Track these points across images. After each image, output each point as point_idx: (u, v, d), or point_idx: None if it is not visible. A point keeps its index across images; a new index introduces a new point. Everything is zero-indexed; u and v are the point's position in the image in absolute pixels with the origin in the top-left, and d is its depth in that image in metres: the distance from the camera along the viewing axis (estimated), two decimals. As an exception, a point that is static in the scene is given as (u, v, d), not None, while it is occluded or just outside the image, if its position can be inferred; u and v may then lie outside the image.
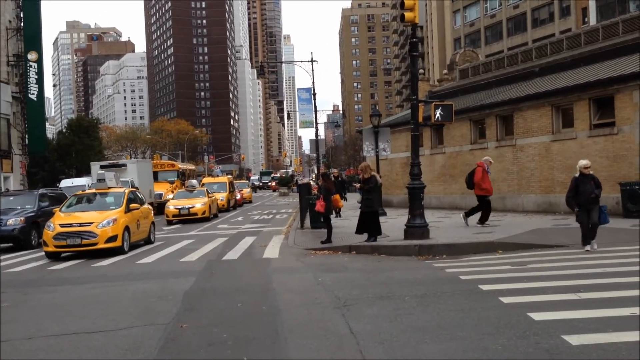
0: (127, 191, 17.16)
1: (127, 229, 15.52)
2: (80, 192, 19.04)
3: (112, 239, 14.93)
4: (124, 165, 31.52)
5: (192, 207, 26.30)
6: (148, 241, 17.66)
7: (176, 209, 26.38)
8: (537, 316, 6.62)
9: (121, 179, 26.03)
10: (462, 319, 6.78)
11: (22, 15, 41.76)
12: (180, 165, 44.90)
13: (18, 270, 13.48)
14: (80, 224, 15.07)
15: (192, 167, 54.25)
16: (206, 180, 38.76)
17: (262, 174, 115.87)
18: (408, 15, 13.51)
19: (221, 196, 33.40)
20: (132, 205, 16.48)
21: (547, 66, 23.50)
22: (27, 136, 42.08)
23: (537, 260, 10.79)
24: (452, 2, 70.95)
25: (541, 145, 20.67)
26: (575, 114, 19.54)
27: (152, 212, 19.02)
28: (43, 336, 6.98)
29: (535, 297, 7.67)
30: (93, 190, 17.70)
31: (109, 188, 17.25)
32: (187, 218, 25.98)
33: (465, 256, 12.18)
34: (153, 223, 18.54)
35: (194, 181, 31.19)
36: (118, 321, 7.54)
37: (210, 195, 28.72)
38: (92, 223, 15.02)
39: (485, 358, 5.32)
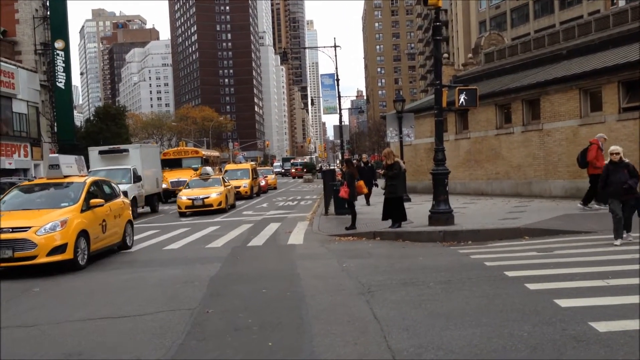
0: (88, 181, 12.88)
1: (83, 234, 11.32)
2: (26, 182, 15.47)
3: (59, 249, 10.71)
4: (126, 150, 28.04)
5: (207, 198, 23.61)
6: (123, 246, 13.68)
7: (189, 199, 23.61)
8: (563, 303, 6.56)
9: (122, 167, 24.85)
10: (487, 305, 6.74)
11: (48, 4, 42.27)
12: (204, 152, 43.91)
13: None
14: (13, 229, 10.65)
15: (216, 153, 53.01)
16: (229, 167, 37.92)
17: (283, 160, 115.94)
18: (432, -2, 13.33)
19: (244, 183, 33.07)
20: (94, 201, 12.09)
21: (574, 49, 23.02)
22: (55, 124, 42.76)
23: (564, 247, 10.66)
24: (478, -15, 69.82)
25: (569, 129, 20.32)
26: (604, 98, 19.14)
27: (129, 207, 14.67)
28: (70, 321, 7.12)
29: (562, 283, 7.59)
30: (42, 181, 13.67)
31: (65, 177, 13.13)
32: (201, 210, 23.32)
33: (490, 242, 12.09)
34: (130, 222, 14.34)
35: (208, 168, 29.01)
36: (145, 306, 7.66)
37: (226, 183, 26.47)
38: (29, 228, 10.71)
39: (510, 344, 5.28)
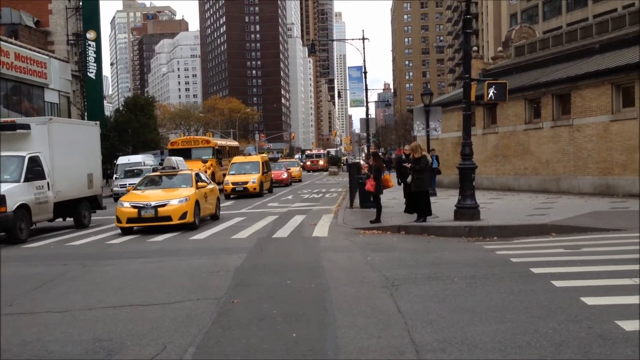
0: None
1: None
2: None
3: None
4: (25, 127, 16.56)
5: (164, 206, 15.51)
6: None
7: (134, 207, 15.55)
8: (590, 300, 6.50)
9: (11, 153, 15.52)
10: (512, 301, 6.72)
11: (80, -5, 42.90)
12: (218, 142, 39.10)
13: (78, 244, 14.06)
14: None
15: (233, 143, 46.98)
16: (236, 159, 32.74)
17: (302, 152, 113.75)
18: (462, -9, 13.22)
19: (252, 178, 28.55)
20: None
21: (607, 43, 22.58)
22: (86, 114, 43.47)
23: (592, 244, 10.53)
24: (509, -23, 68.73)
25: (600, 125, 19.98)
26: (637, 93, 18.75)
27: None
28: (102, 307, 7.30)
29: (589, 281, 7.51)
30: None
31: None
32: (153, 225, 15.64)
33: (516, 238, 11.99)
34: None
35: (174, 159, 19.02)
36: (172, 294, 7.81)
37: (203, 183, 17.60)
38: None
39: (535, 341, 5.27)
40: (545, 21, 60.85)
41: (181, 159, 20.42)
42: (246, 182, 28.40)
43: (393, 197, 21.50)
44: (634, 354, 4.85)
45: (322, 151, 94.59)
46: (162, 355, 5.37)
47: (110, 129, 58.39)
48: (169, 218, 15.44)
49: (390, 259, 10.02)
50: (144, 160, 40.18)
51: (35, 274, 9.97)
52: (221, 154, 37.05)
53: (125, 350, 5.58)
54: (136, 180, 24.38)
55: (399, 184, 14.91)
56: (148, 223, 15.54)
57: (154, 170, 23.81)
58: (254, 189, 28.37)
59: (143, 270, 9.96)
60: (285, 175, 38.98)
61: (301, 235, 13.94)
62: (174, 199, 15.80)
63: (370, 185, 15.25)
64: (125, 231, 15.59)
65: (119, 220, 15.62)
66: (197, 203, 16.22)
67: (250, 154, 34.25)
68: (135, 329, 6.24)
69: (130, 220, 15.52)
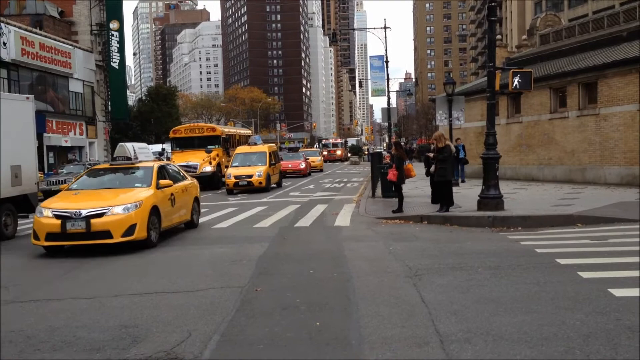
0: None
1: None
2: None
3: None
4: None
5: (100, 216, 10.65)
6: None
7: (57, 216, 10.77)
8: (618, 292, 6.40)
9: None
10: (538, 292, 6.64)
11: (104, -15, 43.17)
12: (226, 130, 34.30)
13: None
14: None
15: (244, 131, 41.60)
16: (240, 149, 28.68)
17: (319, 141, 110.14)
18: (487, -22, 13.02)
19: (258, 171, 25.05)
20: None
21: (635, 30, 22.09)
22: (109, 103, 43.91)
23: (619, 235, 10.36)
24: (534, -36, 67.55)
25: (627, 114, 19.60)
26: (666, 82, 18.36)
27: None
28: (128, 294, 7.38)
29: (617, 272, 7.39)
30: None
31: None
32: (82, 245, 11.03)
33: (541, 229, 11.84)
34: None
35: (129, 145, 13.91)
36: (196, 282, 7.86)
37: (165, 182, 12.57)
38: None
39: (562, 332, 5.20)
40: (571, 9, 59.75)
41: (144, 145, 18.50)
42: (251, 176, 24.66)
43: (415, 187, 21.40)
44: (665, 347, 4.76)
45: (339, 140, 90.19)
46: (187, 342, 5.41)
47: (133, 119, 58.92)
48: (107, 234, 10.52)
49: (413, 248, 9.97)
50: (165, 149, 40.26)
51: None
52: (229, 143, 32.22)
53: (151, 336, 5.63)
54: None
55: (427, 175, 14.60)
56: (76, 241, 10.64)
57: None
58: (260, 182, 24.78)
59: (166, 259, 10.04)
60: (303, 166, 37.44)
61: (323, 225, 13.93)
62: (118, 205, 10.80)
63: (392, 174, 15.17)
64: (51, 250, 10.97)
65: (35, 237, 10.77)
66: (154, 210, 11.39)
67: (255, 144, 28.74)
68: (160, 316, 6.29)
69: (50, 236, 10.60)
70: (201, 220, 15.13)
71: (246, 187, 24.78)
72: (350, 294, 6.98)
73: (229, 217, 16.01)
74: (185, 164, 25.68)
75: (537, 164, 23.84)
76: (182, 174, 14.55)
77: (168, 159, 25.11)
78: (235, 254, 10.05)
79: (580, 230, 11.43)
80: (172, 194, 12.60)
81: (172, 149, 31.47)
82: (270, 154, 27.06)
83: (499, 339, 5.13)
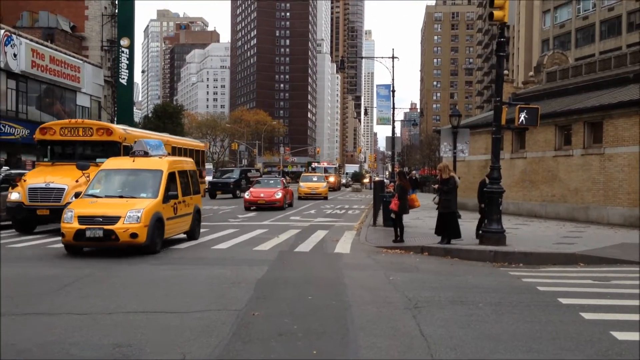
0: None
1: None
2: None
3: None
4: None
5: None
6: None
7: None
8: (620, 335, 6.29)
9: None
10: (539, 331, 6.53)
11: (116, 2, 43.72)
12: (135, 133, 20.10)
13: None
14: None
15: (185, 141, 26.90)
16: (111, 163, 14.64)
17: (308, 165, 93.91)
18: (497, 13, 13.16)
19: (131, 212, 12.20)
20: None
21: (643, 72, 22.23)
22: (115, 119, 44.08)
23: (622, 277, 10.25)
24: (542, 2, 68.34)
25: (632, 155, 19.60)
26: (672, 125, 18.39)
27: None
28: (122, 312, 7.27)
29: (619, 315, 7.29)
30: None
31: None
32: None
33: (543, 266, 11.74)
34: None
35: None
36: (192, 304, 7.75)
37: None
38: None
39: (563, 375, 5.10)
40: (578, 48, 60.31)
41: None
42: (113, 220, 12.10)
43: (417, 217, 21.32)
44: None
45: (332, 164, 75.17)
46: (180, 365, 5.30)
47: (137, 135, 58.89)
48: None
49: (413, 279, 9.87)
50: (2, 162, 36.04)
51: None
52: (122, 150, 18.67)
53: (144, 357, 5.53)
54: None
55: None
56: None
57: None
58: (132, 236, 12.10)
59: (164, 277, 9.93)
60: (279, 195, 27.93)
61: (323, 251, 13.82)
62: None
63: (394, 204, 15.12)
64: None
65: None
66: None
67: (146, 153, 14.62)
68: (155, 336, 6.19)
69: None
70: (200, 240, 14.98)
71: (99, 244, 12.35)
72: (349, 323, 6.88)
73: (230, 238, 15.89)
74: (42, 185, 16.36)
75: (540, 200, 23.78)
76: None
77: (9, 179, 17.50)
78: (234, 276, 9.93)
79: (582, 269, 11.33)
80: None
81: (37, 159, 20.35)
82: (174, 175, 14.16)
83: (499, 377, 5.02)
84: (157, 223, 12.58)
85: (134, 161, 14.22)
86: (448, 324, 6.81)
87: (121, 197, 13.05)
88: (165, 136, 24.18)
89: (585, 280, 9.95)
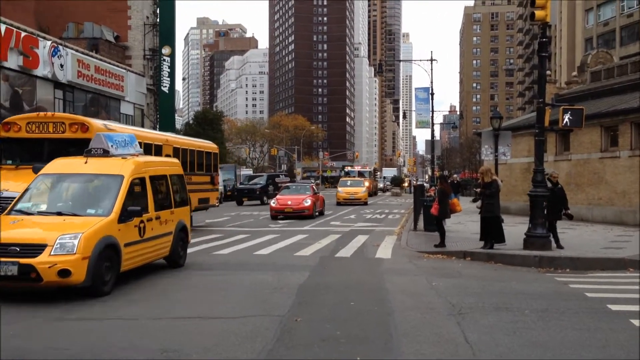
0: None
1: None
2: None
3: None
4: None
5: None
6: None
7: None
8: (674, 344, 6.09)
9: None
10: (588, 339, 6.38)
11: (158, 11, 44.65)
12: (101, 126, 15.71)
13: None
14: None
15: (192, 141, 23.15)
16: (53, 167, 10.65)
17: (342, 169, 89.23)
18: (539, 13, 12.93)
19: (62, 239, 8.30)
20: None
21: (693, 70, 21.50)
22: (157, 126, 44.93)
23: (673, 282, 9.92)
24: (585, 1, 66.87)
25: (682, 156, 18.96)
26: None
27: None
28: (170, 317, 7.41)
29: (672, 322, 7.05)
30: None
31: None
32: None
33: (591, 272, 11.46)
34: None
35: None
36: (237, 309, 7.85)
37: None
38: None
39: (614, 384, 4.97)
40: (623, 46, 58.71)
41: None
42: (35, 251, 8.22)
43: (459, 222, 21.07)
44: None
45: (366, 168, 70.05)
46: (226, 370, 5.37)
47: (179, 142, 59.81)
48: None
49: (456, 285, 9.76)
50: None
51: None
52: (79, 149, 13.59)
53: (190, 362, 5.62)
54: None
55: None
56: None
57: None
58: (64, 273, 8.21)
59: (208, 283, 10.07)
60: (308, 203, 25.71)
61: (364, 256, 13.79)
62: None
63: (434, 208, 14.98)
64: None
65: None
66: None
67: (106, 151, 10.48)
68: (201, 341, 6.29)
69: None
70: (241, 246, 15.12)
71: (12, 284, 8.43)
72: (392, 328, 6.85)
73: (271, 244, 16.00)
74: None
75: (586, 203, 23.21)
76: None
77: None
78: (276, 281, 10.00)
79: (632, 275, 11.01)
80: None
81: None
82: (144, 182, 10.49)
83: (547, 386, 4.93)
84: (105, 253, 8.65)
85: (86, 162, 10.23)
86: (493, 330, 6.72)
87: (59, 213, 9.23)
88: (166, 135, 21.31)
89: (635, 287, 9.65)
